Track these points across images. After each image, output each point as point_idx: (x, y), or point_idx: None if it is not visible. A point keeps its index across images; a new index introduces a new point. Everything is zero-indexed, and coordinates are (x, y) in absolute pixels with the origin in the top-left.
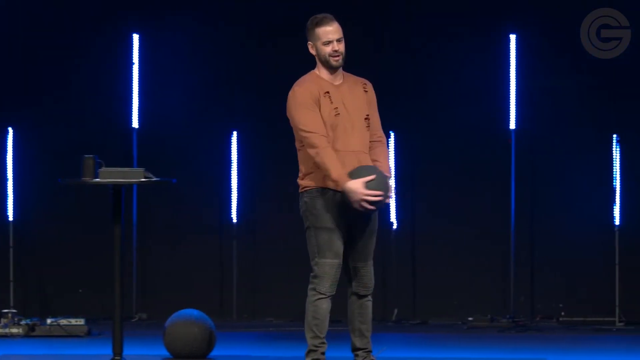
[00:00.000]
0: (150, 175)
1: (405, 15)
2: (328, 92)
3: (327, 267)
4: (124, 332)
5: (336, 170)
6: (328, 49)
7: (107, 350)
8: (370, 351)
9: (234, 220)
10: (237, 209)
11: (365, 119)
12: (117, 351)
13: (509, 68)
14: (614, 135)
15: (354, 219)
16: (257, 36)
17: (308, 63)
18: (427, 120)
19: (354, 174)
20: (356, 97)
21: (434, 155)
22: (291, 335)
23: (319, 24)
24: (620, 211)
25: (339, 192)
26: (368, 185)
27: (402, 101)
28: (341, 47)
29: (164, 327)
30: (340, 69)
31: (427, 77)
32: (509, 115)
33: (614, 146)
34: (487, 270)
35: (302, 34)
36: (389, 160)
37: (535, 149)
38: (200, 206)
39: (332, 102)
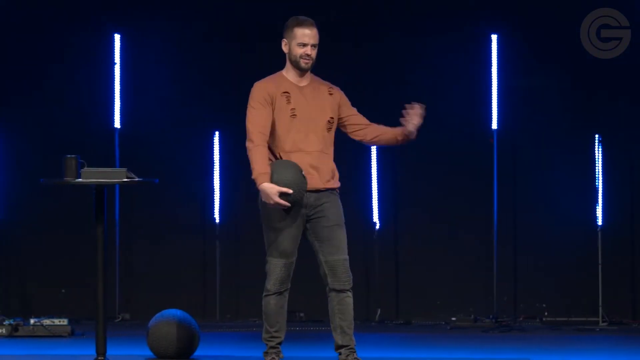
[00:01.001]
0: (133, 176)
1: (386, 14)
2: (287, 92)
3: (272, 265)
4: (107, 332)
5: (259, 169)
6: (301, 51)
7: (90, 351)
8: (352, 349)
9: (217, 221)
10: (219, 209)
11: (328, 121)
12: (101, 351)
13: (491, 68)
14: (596, 135)
15: (311, 215)
16: (239, 36)
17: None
18: None
19: (272, 169)
20: (319, 101)
21: (417, 154)
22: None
23: (300, 24)
24: (602, 211)
25: None
26: (281, 181)
27: (384, 100)
28: (314, 53)
29: (147, 327)
30: (309, 72)
31: (409, 77)
32: (491, 115)
33: (597, 146)
34: (470, 270)
35: (282, 32)
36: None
37: (517, 148)
38: (182, 206)
39: (289, 103)
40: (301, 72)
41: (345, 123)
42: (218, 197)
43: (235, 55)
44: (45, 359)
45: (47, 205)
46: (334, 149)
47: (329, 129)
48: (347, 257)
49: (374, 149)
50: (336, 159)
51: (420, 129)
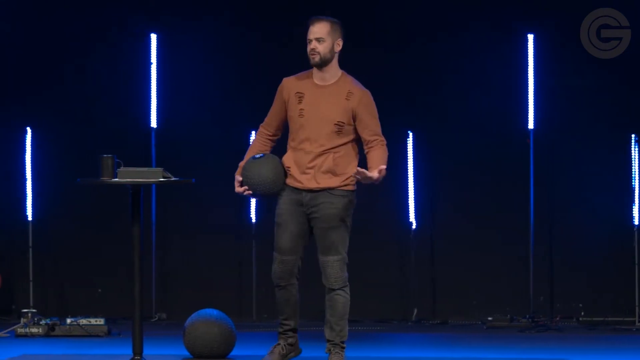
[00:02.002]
0: (169, 175)
1: (423, 15)
2: (301, 93)
3: (274, 258)
4: (144, 331)
5: (244, 160)
6: (308, 48)
7: (127, 350)
8: (337, 344)
9: (253, 220)
10: (255, 208)
11: (336, 124)
12: (137, 351)
13: (527, 67)
14: (633, 135)
15: (309, 214)
16: (276, 36)
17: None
18: (446, 120)
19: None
20: (331, 103)
21: (453, 154)
22: (310, 335)
23: (309, 24)
24: (639, 210)
25: (295, 188)
26: (243, 173)
27: (420, 101)
28: (320, 47)
29: (184, 327)
30: (338, 70)
31: (445, 77)
32: (527, 114)
33: (633, 145)
34: (506, 270)
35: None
36: (382, 160)
37: (553, 148)
38: (219, 206)
39: (300, 103)
40: (319, 69)
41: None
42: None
43: (271, 55)
44: (81, 359)
45: (83, 205)
46: (357, 151)
47: (338, 132)
48: (339, 257)
49: (410, 148)
50: None
51: (457, 131)
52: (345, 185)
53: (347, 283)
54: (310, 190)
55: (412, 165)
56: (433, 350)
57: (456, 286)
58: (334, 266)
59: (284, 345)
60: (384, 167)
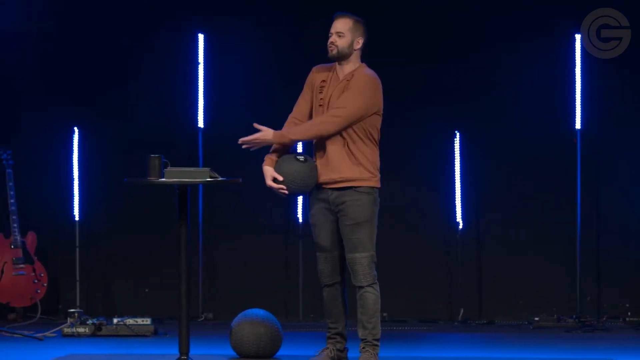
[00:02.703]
0: (216, 175)
1: (469, 15)
2: (325, 82)
3: (317, 259)
4: (190, 331)
5: (270, 152)
6: (328, 41)
7: (173, 350)
8: (369, 342)
9: (300, 220)
10: (302, 208)
11: None
12: (184, 351)
13: (574, 67)
14: None
15: (336, 211)
16: (321, 35)
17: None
18: (492, 120)
19: (282, 159)
20: (338, 92)
21: (499, 155)
22: (357, 335)
23: (333, 18)
24: None
25: (320, 187)
26: (281, 170)
27: (467, 101)
28: (339, 41)
29: (230, 327)
30: (357, 63)
31: (492, 77)
32: (575, 114)
33: None
34: (553, 270)
35: (369, 34)
36: (304, 128)
37: (601, 148)
38: (266, 205)
39: (320, 93)
40: (339, 62)
41: None
42: (301, 197)
43: (317, 54)
44: (128, 358)
45: (130, 204)
46: (377, 139)
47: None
48: (366, 254)
49: (457, 149)
50: (422, 158)
51: (503, 131)
52: (369, 179)
53: (376, 281)
54: (335, 189)
55: (459, 165)
56: (479, 350)
57: (502, 286)
58: (362, 263)
59: (332, 349)
60: (267, 136)
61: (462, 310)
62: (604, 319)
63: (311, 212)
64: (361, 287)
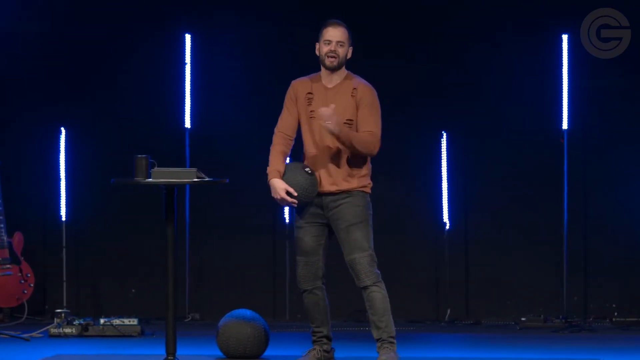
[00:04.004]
0: (203, 176)
1: (455, 15)
2: (311, 94)
3: (297, 263)
4: (177, 332)
5: (272, 166)
6: (326, 49)
7: (160, 350)
8: (385, 340)
9: (287, 220)
10: (289, 209)
11: (346, 123)
12: (171, 351)
13: (561, 68)
14: None
15: (330, 216)
16: (310, 36)
17: (354, 65)
18: (479, 121)
19: (286, 170)
20: (339, 102)
21: (486, 155)
22: (344, 335)
23: (327, 25)
24: None
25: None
26: (291, 182)
27: (454, 102)
28: (340, 50)
29: (217, 327)
30: (344, 72)
31: (479, 77)
32: (562, 115)
33: None
34: (540, 271)
35: (355, 34)
36: (362, 140)
37: (588, 148)
38: (252, 206)
39: (310, 105)
40: (330, 71)
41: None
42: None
43: (305, 55)
44: (115, 359)
45: (117, 205)
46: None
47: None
48: (365, 253)
49: (444, 149)
50: (409, 158)
51: (490, 131)
52: (364, 186)
53: (380, 279)
54: (331, 193)
55: (445, 165)
56: (466, 350)
57: (489, 286)
58: (362, 262)
59: (319, 350)
60: (340, 118)
61: (449, 311)
62: (591, 319)
63: (300, 214)
64: (366, 288)
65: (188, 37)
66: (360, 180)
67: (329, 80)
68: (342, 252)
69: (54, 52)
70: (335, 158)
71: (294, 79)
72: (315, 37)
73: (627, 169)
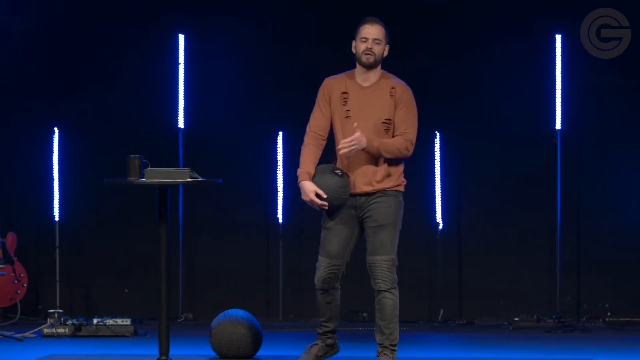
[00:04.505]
0: (196, 176)
1: (449, 16)
2: (346, 93)
3: (319, 262)
4: (170, 332)
5: (303, 167)
6: (362, 46)
7: (153, 351)
8: (387, 347)
9: (280, 221)
10: (282, 208)
11: (384, 122)
12: (164, 351)
13: (555, 68)
14: None
15: (361, 216)
16: (303, 36)
17: (349, 64)
18: (473, 121)
19: (316, 172)
20: (377, 102)
21: (480, 155)
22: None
23: (363, 23)
24: None
25: (351, 194)
26: (321, 184)
27: (448, 102)
28: (377, 48)
29: (210, 327)
30: (380, 71)
31: (473, 78)
32: (555, 115)
33: None
34: (533, 271)
35: (349, 34)
36: (392, 147)
37: (581, 148)
38: (246, 206)
39: (345, 104)
40: (367, 69)
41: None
42: (281, 197)
43: (299, 55)
44: (108, 359)
45: (110, 205)
46: None
47: (387, 130)
48: (387, 257)
49: (437, 149)
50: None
51: (484, 131)
52: (399, 185)
53: (396, 285)
54: (365, 193)
55: (439, 165)
56: (459, 350)
57: (483, 287)
58: (382, 266)
59: (322, 345)
60: (363, 139)
61: (442, 311)
62: (584, 319)
63: (329, 215)
64: (380, 292)
65: (181, 37)
66: (395, 179)
67: (365, 78)
68: (366, 249)
69: (47, 52)
70: (369, 158)
71: (327, 77)
72: (311, 38)
73: (620, 169)
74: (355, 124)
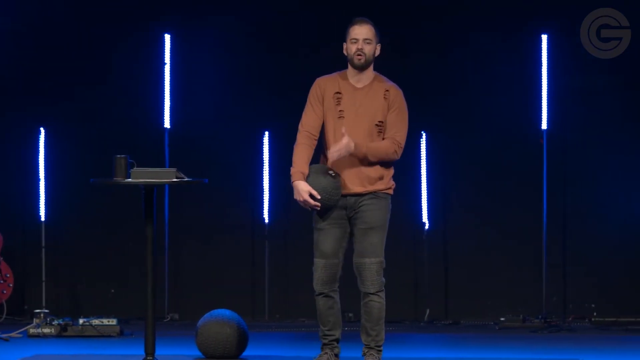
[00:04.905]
0: (182, 176)
1: (436, 15)
2: (339, 93)
3: (315, 265)
4: (156, 332)
5: (296, 167)
6: (353, 48)
7: (139, 351)
8: (373, 348)
9: (266, 221)
10: (268, 209)
11: (377, 125)
12: (150, 351)
13: (541, 68)
14: None
15: (351, 216)
16: (290, 36)
17: (341, 64)
18: (459, 121)
19: (310, 172)
20: (370, 103)
21: (466, 155)
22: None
23: (353, 23)
24: None
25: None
26: (315, 185)
27: (434, 102)
28: (367, 48)
29: (196, 327)
30: (372, 72)
31: (459, 77)
32: (541, 115)
33: None
34: (519, 271)
35: (334, 34)
36: (380, 152)
37: (567, 148)
38: (232, 206)
39: (338, 105)
40: (359, 71)
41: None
42: (267, 197)
43: (285, 55)
44: (94, 359)
45: (96, 205)
46: None
47: (379, 132)
48: (375, 260)
49: (423, 149)
50: None
51: (470, 131)
52: (389, 188)
53: (383, 288)
54: (356, 194)
55: (425, 165)
56: (445, 350)
57: (469, 287)
58: (371, 269)
59: (331, 354)
60: (351, 144)
61: (428, 311)
62: (570, 319)
63: (319, 216)
64: (368, 294)
65: (168, 37)
66: (386, 182)
67: (357, 79)
68: (354, 251)
69: (33, 53)
70: (360, 159)
71: (319, 77)
72: (296, 38)
73: (606, 169)
74: (344, 129)
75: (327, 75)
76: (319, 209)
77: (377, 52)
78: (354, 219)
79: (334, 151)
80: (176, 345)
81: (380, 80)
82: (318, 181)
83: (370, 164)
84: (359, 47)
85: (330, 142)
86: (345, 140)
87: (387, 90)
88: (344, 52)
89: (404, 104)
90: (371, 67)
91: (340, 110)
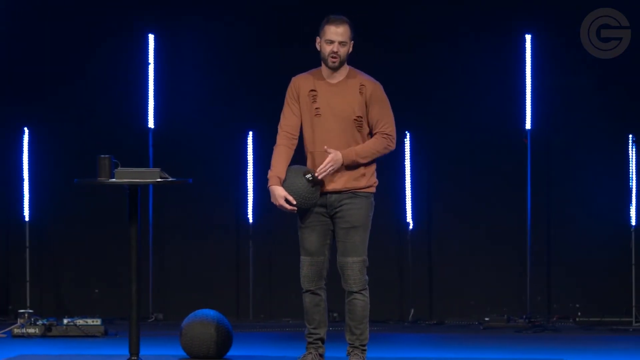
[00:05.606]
0: (166, 176)
1: (419, 14)
2: (315, 91)
3: (300, 263)
4: (141, 332)
5: (273, 170)
6: (328, 49)
7: (123, 351)
8: (357, 347)
9: (250, 221)
10: (252, 209)
11: (355, 120)
12: (134, 351)
13: (525, 67)
14: (630, 135)
15: (333, 215)
16: (273, 36)
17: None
18: (443, 120)
19: (287, 174)
20: (346, 99)
21: (450, 155)
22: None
23: (329, 22)
24: (636, 211)
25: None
26: (289, 189)
27: (417, 101)
28: (342, 50)
29: (181, 327)
30: (347, 67)
31: (443, 77)
32: (525, 114)
33: (630, 146)
34: (503, 271)
35: (316, 32)
36: (370, 151)
37: (551, 148)
38: (216, 206)
39: (315, 102)
40: (333, 71)
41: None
42: (251, 197)
43: (270, 55)
44: (78, 359)
45: (80, 205)
46: None
47: (359, 128)
48: (358, 259)
49: (407, 149)
50: None
51: (454, 131)
52: (369, 186)
53: (367, 286)
54: (337, 192)
55: (409, 165)
56: (430, 350)
57: (453, 286)
58: (354, 268)
59: (315, 354)
60: (338, 157)
61: (412, 311)
62: (554, 319)
63: (302, 214)
64: (351, 292)
65: (151, 37)
66: (367, 179)
67: (332, 76)
68: (337, 250)
69: (16, 53)
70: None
71: (294, 76)
72: (281, 38)
73: (590, 169)
74: (325, 147)
75: (301, 74)
76: (295, 211)
77: (350, 50)
78: (335, 218)
79: (323, 171)
80: (160, 345)
81: (354, 75)
82: (294, 185)
83: (352, 171)
84: (334, 49)
85: (309, 140)
86: (330, 155)
87: (362, 85)
88: (317, 46)
89: (384, 95)
90: (345, 63)
91: (316, 108)
